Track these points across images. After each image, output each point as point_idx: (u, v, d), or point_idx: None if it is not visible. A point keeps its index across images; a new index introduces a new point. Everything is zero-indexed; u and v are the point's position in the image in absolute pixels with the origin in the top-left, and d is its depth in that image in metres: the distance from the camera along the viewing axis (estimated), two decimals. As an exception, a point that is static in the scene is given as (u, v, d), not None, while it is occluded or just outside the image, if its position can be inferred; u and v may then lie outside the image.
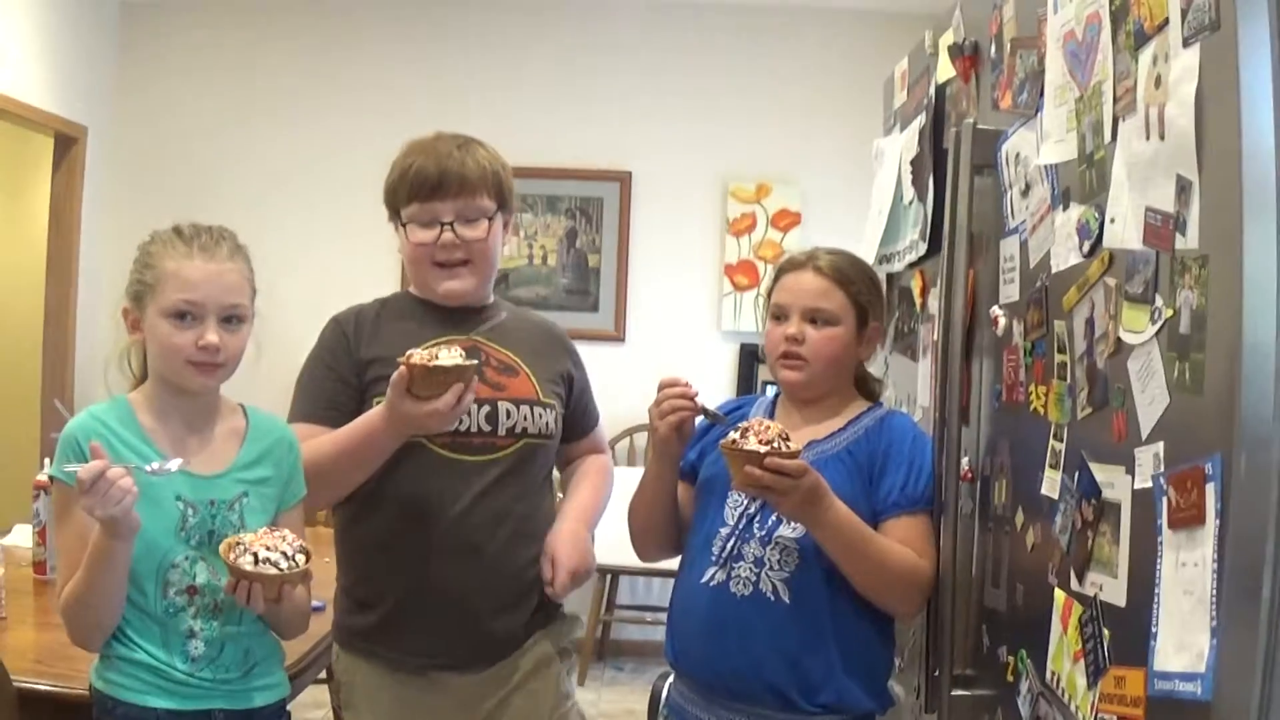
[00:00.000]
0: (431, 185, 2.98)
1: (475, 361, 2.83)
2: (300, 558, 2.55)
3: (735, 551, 2.88)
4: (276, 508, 2.77)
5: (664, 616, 7.49)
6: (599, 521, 3.24)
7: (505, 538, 3.01)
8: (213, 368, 2.65)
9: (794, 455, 2.66)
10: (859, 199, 7.14)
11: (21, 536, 4.70)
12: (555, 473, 3.32)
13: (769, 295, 3.07)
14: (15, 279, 8.78)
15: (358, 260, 7.54)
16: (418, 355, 2.75)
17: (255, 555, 2.51)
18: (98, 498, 2.37)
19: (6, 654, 3.13)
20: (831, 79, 7.92)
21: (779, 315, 3.00)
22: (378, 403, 2.90)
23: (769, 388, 3.12)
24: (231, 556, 2.50)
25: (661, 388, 2.94)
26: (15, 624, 3.79)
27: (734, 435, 2.70)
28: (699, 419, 2.99)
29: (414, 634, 2.98)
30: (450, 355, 2.76)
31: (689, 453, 3.07)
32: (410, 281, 3.18)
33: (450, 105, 7.79)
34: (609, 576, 7.40)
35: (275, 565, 2.50)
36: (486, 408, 2.98)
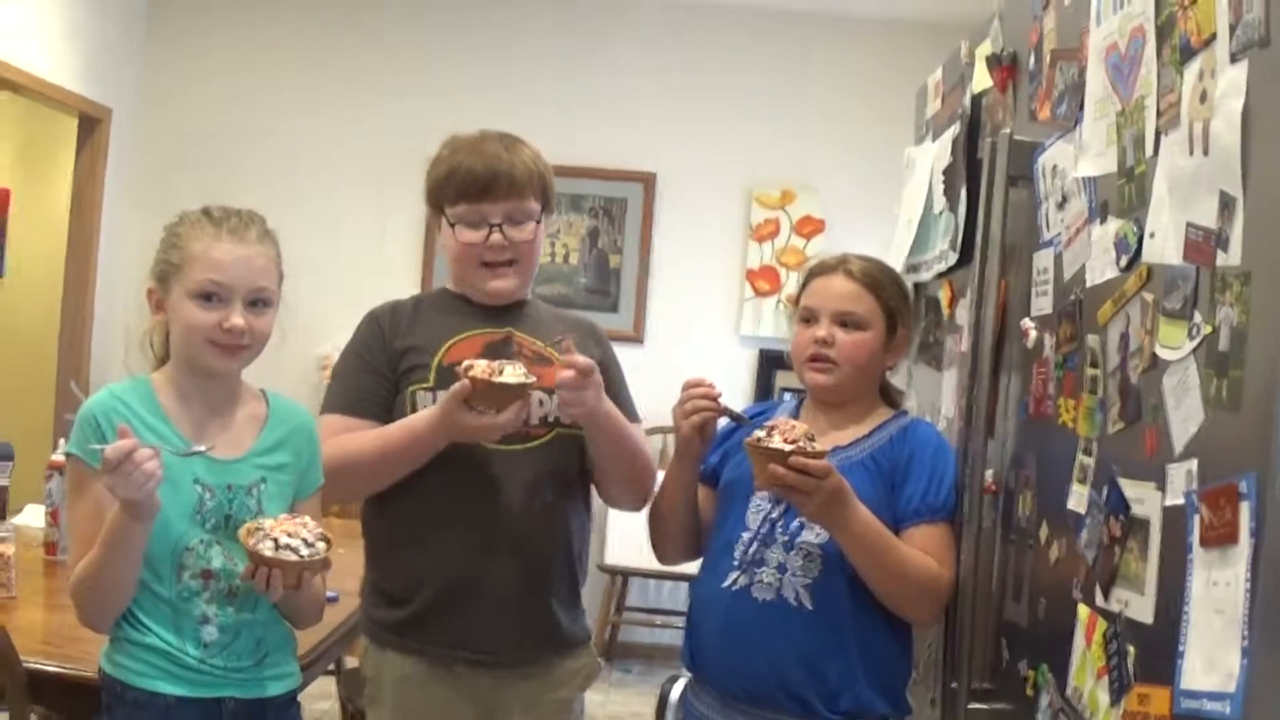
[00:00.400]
0: (481, 186, 2.98)
1: (534, 379, 2.84)
2: (321, 545, 2.54)
3: (758, 556, 2.86)
4: (294, 495, 2.76)
5: (673, 620, 7.55)
6: (627, 433, 3.12)
7: (541, 529, 3.01)
8: (236, 350, 2.65)
9: (819, 456, 2.65)
10: (883, 208, 7.15)
11: (33, 516, 4.71)
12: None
13: (797, 299, 3.07)
14: (36, 258, 8.78)
15: (382, 244, 7.57)
16: (480, 368, 2.75)
17: (275, 541, 2.49)
18: (122, 478, 2.36)
19: (16, 634, 3.12)
20: (857, 88, 7.91)
21: (808, 318, 2.99)
22: (413, 393, 2.93)
23: (787, 394, 3.12)
24: (251, 542, 2.49)
25: (685, 388, 2.94)
26: (25, 604, 3.78)
27: (759, 434, 2.69)
28: (722, 420, 2.98)
29: (449, 627, 2.96)
30: (514, 373, 2.77)
31: (711, 456, 3.07)
32: (450, 277, 3.17)
33: (475, 98, 7.80)
34: (619, 578, 7.39)
35: (295, 551, 2.49)
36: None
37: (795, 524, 2.84)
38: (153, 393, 2.66)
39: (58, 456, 4.27)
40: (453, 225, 3.03)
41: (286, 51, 8.19)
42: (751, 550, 2.87)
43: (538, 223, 3.06)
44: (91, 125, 7.65)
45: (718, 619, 2.91)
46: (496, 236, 2.99)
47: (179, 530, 2.57)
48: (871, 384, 3.04)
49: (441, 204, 3.05)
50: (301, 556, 2.50)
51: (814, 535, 2.83)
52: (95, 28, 7.56)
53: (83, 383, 7.16)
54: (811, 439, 2.68)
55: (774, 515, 2.88)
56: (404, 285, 6.41)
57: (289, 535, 2.50)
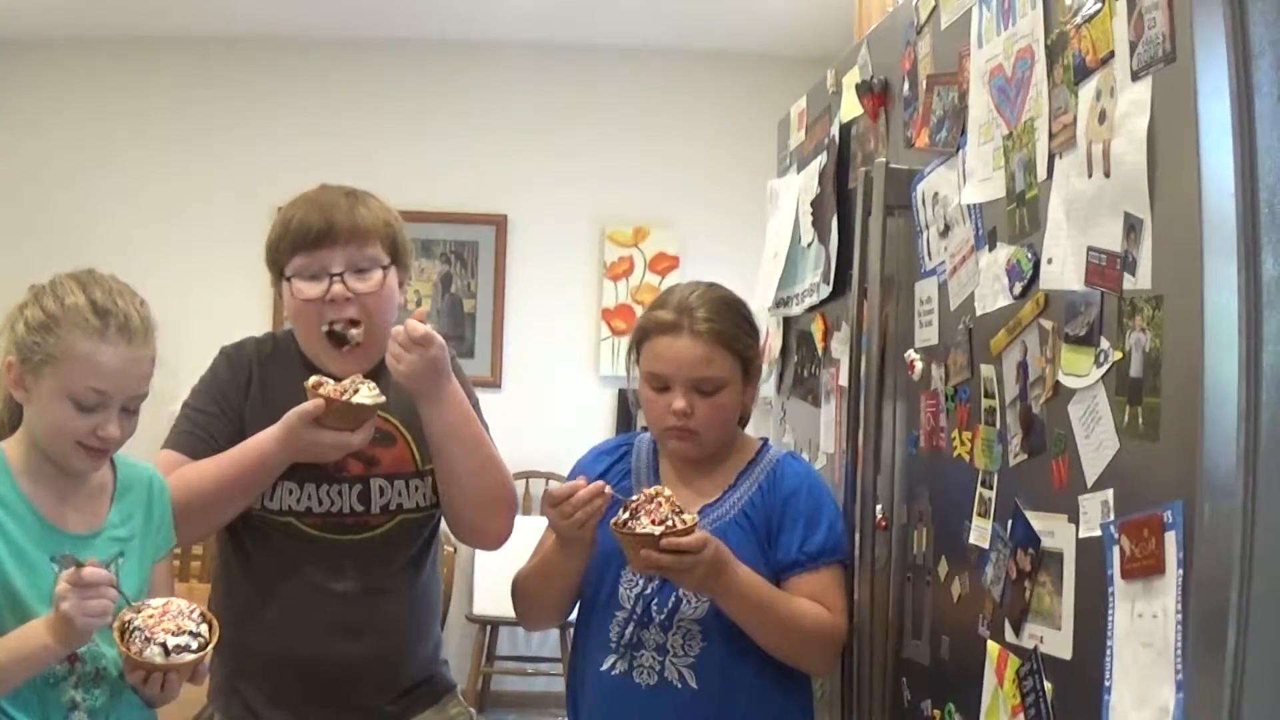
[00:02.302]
0: (318, 233, 2.76)
1: (384, 399, 2.70)
2: (205, 628, 2.40)
3: (635, 639, 2.74)
4: (151, 561, 2.61)
5: (545, 667, 7.46)
6: (476, 427, 2.86)
7: (378, 613, 2.85)
8: (104, 453, 2.50)
9: (690, 528, 2.53)
10: (738, 241, 7.21)
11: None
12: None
13: (635, 351, 2.88)
14: None
15: (232, 302, 7.39)
16: (331, 387, 2.62)
17: (164, 646, 2.35)
18: (80, 604, 2.25)
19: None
20: (710, 122, 7.92)
21: (659, 385, 2.81)
22: None
23: (645, 433, 2.99)
24: (134, 650, 2.33)
25: (557, 501, 2.66)
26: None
27: (624, 515, 2.56)
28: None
29: (291, 712, 2.83)
30: (369, 393, 2.64)
31: None
32: (300, 343, 2.92)
33: (323, 147, 7.69)
34: (488, 628, 7.27)
35: (188, 650, 2.35)
36: (359, 486, 2.82)
37: (671, 600, 2.72)
38: (8, 469, 2.50)
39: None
40: (289, 279, 2.81)
41: (131, 110, 8.02)
42: (628, 633, 2.74)
43: (384, 269, 2.83)
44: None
45: (602, 706, 2.80)
46: (338, 287, 2.76)
47: (40, 614, 2.42)
48: (734, 429, 2.93)
49: (280, 263, 2.83)
50: (195, 652, 2.36)
51: (690, 609, 2.71)
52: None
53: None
54: (679, 511, 2.55)
55: (648, 592, 2.74)
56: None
57: (173, 634, 2.35)
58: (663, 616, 2.72)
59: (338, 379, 2.71)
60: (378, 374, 2.80)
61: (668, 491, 2.61)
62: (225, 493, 2.74)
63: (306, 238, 2.77)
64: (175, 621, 2.37)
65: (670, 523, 2.52)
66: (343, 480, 2.80)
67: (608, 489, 2.66)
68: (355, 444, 2.69)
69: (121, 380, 2.44)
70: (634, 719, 2.73)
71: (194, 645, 2.35)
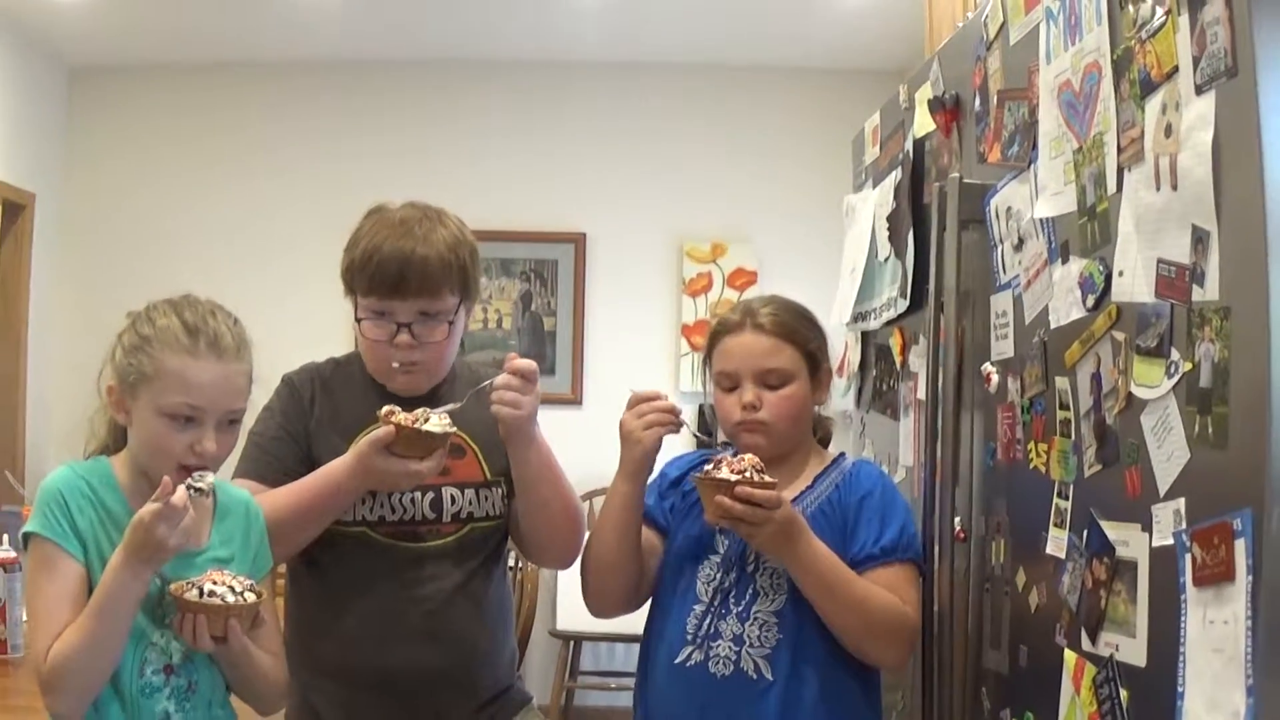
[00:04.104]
0: (391, 284, 2.80)
1: (454, 429, 2.75)
2: (249, 595, 2.45)
3: (712, 630, 2.77)
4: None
5: (628, 682, 7.43)
6: (558, 469, 2.95)
7: (455, 621, 2.89)
8: (203, 470, 2.53)
9: (769, 487, 2.58)
10: (816, 256, 7.23)
11: (-23, 616, 4.57)
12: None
13: (708, 359, 2.95)
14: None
15: (313, 321, 7.44)
16: (403, 415, 2.67)
17: (201, 589, 2.41)
18: (173, 523, 2.32)
19: (-31, 741, 3.02)
20: (786, 137, 7.92)
21: (728, 384, 2.88)
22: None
23: (728, 448, 3.01)
24: (179, 592, 2.41)
25: (636, 401, 2.82)
26: (-24, 709, 3.67)
27: (707, 466, 2.64)
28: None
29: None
30: (439, 422, 2.69)
31: (647, 497, 2.93)
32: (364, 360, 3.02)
33: (402, 168, 7.78)
34: (571, 643, 7.31)
35: (221, 598, 2.40)
36: (431, 494, 2.88)
37: (749, 593, 2.76)
38: (114, 480, 2.56)
39: (3, 553, 4.15)
40: (360, 319, 2.89)
41: (210, 133, 8.11)
42: (705, 624, 2.78)
43: (452, 320, 2.88)
44: (15, 211, 7.54)
45: (676, 698, 2.81)
46: (404, 337, 2.83)
47: (140, 623, 2.48)
48: (806, 430, 2.95)
49: (353, 288, 2.90)
50: (226, 603, 2.41)
51: (769, 603, 2.75)
52: (16, 113, 7.49)
53: (19, 474, 7.01)
54: (760, 470, 2.61)
55: (725, 586, 2.79)
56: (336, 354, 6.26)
57: (215, 584, 2.42)
58: (740, 608, 2.75)
59: (407, 407, 2.77)
60: (434, 397, 2.90)
61: (754, 458, 2.66)
62: (300, 519, 2.79)
63: (380, 285, 2.81)
64: (222, 577, 2.44)
65: (749, 475, 2.58)
66: (415, 489, 2.85)
67: (682, 416, 2.82)
68: (424, 473, 2.72)
69: (213, 394, 2.48)
70: (706, 708, 2.74)
71: (229, 598, 2.41)
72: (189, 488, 2.39)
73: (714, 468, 2.61)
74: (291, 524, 2.78)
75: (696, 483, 2.65)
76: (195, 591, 2.40)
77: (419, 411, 2.70)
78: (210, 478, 2.48)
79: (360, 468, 2.72)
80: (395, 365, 2.86)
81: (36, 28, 7.42)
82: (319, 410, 2.94)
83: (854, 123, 4.43)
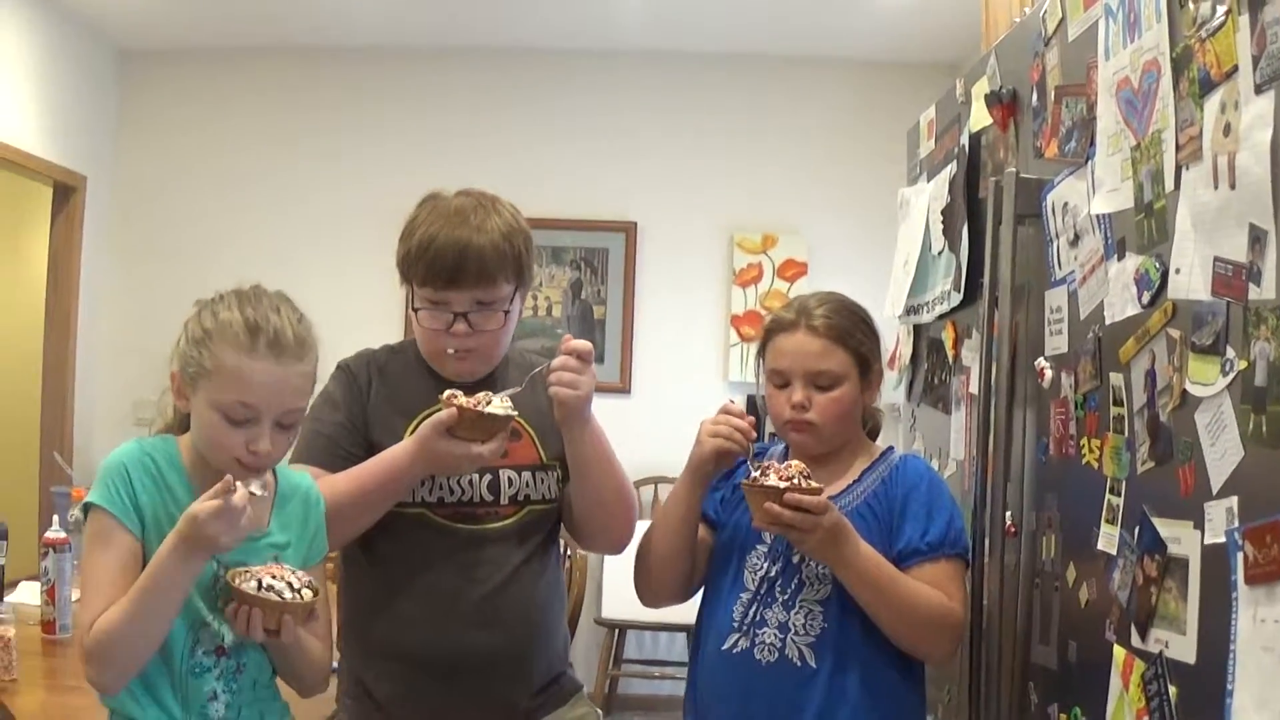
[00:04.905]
0: (448, 275, 2.81)
1: (515, 412, 2.77)
2: (306, 592, 2.46)
3: (758, 617, 2.79)
4: (302, 567, 2.63)
5: (671, 671, 7.49)
6: (611, 451, 2.97)
7: (513, 603, 2.91)
8: (257, 469, 2.53)
9: (816, 492, 2.60)
10: (866, 248, 7.24)
11: (27, 594, 4.62)
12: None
13: (761, 354, 2.97)
14: (13, 330, 8.73)
15: (364, 305, 7.50)
16: (464, 399, 2.69)
17: (259, 582, 2.42)
18: (231, 521, 2.33)
19: (21, 717, 3.04)
20: (837, 129, 7.93)
21: (779, 381, 2.90)
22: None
23: (775, 439, 3.03)
24: (237, 581, 2.42)
25: (723, 411, 2.85)
26: (26, 686, 3.69)
27: (755, 473, 2.65)
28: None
29: (426, 707, 2.89)
30: (501, 405, 2.70)
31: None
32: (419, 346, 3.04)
33: (454, 155, 7.84)
34: (615, 631, 7.34)
35: (279, 594, 2.41)
36: (489, 476, 2.88)
37: (795, 582, 2.78)
38: (179, 459, 2.58)
39: (54, 534, 4.19)
40: (417, 309, 2.89)
41: (260, 116, 8.17)
42: (751, 612, 2.80)
43: (506, 312, 2.88)
44: (67, 193, 7.62)
45: (721, 683, 2.84)
46: (460, 326, 2.84)
47: (194, 604, 2.50)
48: (855, 428, 2.96)
49: (410, 278, 2.90)
50: (284, 599, 2.42)
51: (814, 592, 2.76)
52: (67, 95, 7.55)
53: (67, 455, 7.07)
54: (807, 475, 2.62)
55: (772, 575, 2.81)
56: (386, 341, 6.26)
57: (274, 577, 2.42)
58: (785, 596, 2.78)
59: (465, 391, 2.79)
60: (488, 382, 2.91)
61: (800, 464, 2.67)
62: (361, 504, 2.80)
63: (437, 275, 2.82)
64: (280, 571, 2.46)
65: (796, 482, 2.59)
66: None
67: (753, 435, 2.81)
68: (486, 456, 2.73)
69: (269, 395, 2.46)
70: (751, 694, 2.77)
71: (286, 594, 2.42)
72: (250, 491, 2.40)
73: (761, 474, 2.63)
74: (352, 509, 2.79)
75: (744, 489, 2.66)
76: (253, 583, 2.41)
77: (481, 395, 2.71)
78: (265, 479, 2.50)
79: (422, 451, 2.73)
80: (450, 351, 2.87)
81: (87, 10, 7.49)
82: (376, 394, 2.95)
83: (905, 116, 4.43)
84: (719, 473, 2.88)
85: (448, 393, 2.72)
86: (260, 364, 2.45)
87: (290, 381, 2.50)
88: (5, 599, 4.35)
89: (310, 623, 2.56)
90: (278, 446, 2.51)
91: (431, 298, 2.85)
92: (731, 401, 2.90)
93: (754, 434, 2.82)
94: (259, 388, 2.45)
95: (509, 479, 2.90)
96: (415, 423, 2.84)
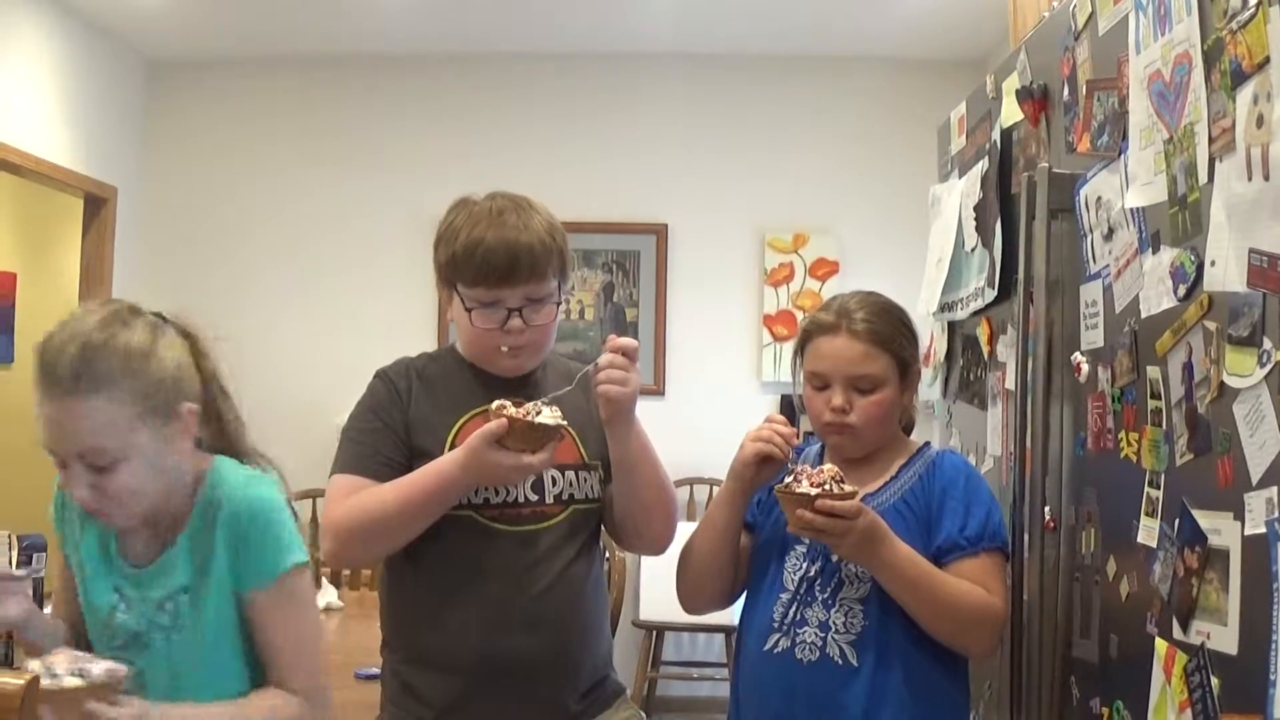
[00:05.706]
0: (502, 273, 2.82)
1: (565, 421, 2.77)
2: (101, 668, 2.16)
3: (798, 617, 2.79)
4: (241, 590, 2.45)
5: (710, 672, 7.48)
6: (654, 452, 2.94)
7: (561, 605, 2.90)
8: (101, 514, 2.38)
9: (849, 496, 2.60)
10: (897, 246, 7.23)
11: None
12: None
13: (799, 354, 2.96)
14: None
15: (396, 313, 7.53)
16: (514, 409, 2.70)
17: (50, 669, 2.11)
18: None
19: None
20: (867, 127, 7.92)
21: (818, 383, 2.89)
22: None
23: (811, 437, 3.04)
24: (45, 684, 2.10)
25: (769, 420, 2.85)
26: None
27: (788, 479, 2.65)
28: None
29: (478, 713, 2.88)
30: (551, 414, 2.71)
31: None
32: (461, 346, 3.03)
33: (482, 159, 7.85)
34: (654, 633, 7.34)
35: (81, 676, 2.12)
36: (532, 476, 2.87)
37: (834, 581, 2.78)
38: None
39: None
40: (468, 309, 2.89)
41: (289, 125, 8.21)
42: (791, 612, 2.80)
43: (557, 304, 2.93)
44: (98, 205, 7.66)
45: (764, 684, 2.84)
46: (515, 322, 2.86)
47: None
48: (894, 429, 2.96)
49: (456, 281, 2.90)
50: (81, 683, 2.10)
51: (854, 591, 2.76)
52: (96, 107, 7.59)
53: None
54: (840, 480, 2.62)
55: (811, 574, 2.81)
56: (418, 351, 6.23)
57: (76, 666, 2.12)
58: (825, 595, 2.78)
59: (508, 391, 2.81)
60: (529, 384, 2.93)
61: (833, 468, 2.67)
62: (407, 515, 2.80)
63: (491, 274, 2.83)
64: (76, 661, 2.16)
65: (828, 487, 2.59)
66: None
67: (796, 442, 2.82)
68: (536, 466, 2.72)
69: (57, 435, 2.28)
70: (794, 694, 2.77)
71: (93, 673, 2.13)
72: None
73: (794, 480, 2.63)
74: (399, 520, 2.79)
75: (778, 495, 2.66)
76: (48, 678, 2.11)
77: (530, 405, 2.70)
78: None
79: (473, 461, 2.72)
80: (504, 349, 2.88)
81: (115, 22, 7.52)
82: (417, 399, 2.95)
83: (935, 113, 4.43)
84: (763, 484, 2.87)
85: (497, 403, 2.72)
86: (49, 404, 2.27)
87: (75, 421, 2.27)
88: (45, 609, 4.36)
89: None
90: (97, 491, 2.32)
91: (483, 298, 2.85)
92: (776, 413, 2.90)
93: (796, 441, 2.83)
94: (46, 428, 2.28)
95: (553, 478, 2.90)
96: (462, 421, 2.86)
